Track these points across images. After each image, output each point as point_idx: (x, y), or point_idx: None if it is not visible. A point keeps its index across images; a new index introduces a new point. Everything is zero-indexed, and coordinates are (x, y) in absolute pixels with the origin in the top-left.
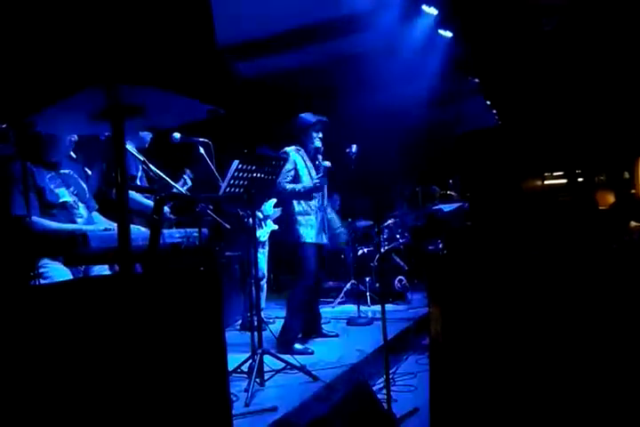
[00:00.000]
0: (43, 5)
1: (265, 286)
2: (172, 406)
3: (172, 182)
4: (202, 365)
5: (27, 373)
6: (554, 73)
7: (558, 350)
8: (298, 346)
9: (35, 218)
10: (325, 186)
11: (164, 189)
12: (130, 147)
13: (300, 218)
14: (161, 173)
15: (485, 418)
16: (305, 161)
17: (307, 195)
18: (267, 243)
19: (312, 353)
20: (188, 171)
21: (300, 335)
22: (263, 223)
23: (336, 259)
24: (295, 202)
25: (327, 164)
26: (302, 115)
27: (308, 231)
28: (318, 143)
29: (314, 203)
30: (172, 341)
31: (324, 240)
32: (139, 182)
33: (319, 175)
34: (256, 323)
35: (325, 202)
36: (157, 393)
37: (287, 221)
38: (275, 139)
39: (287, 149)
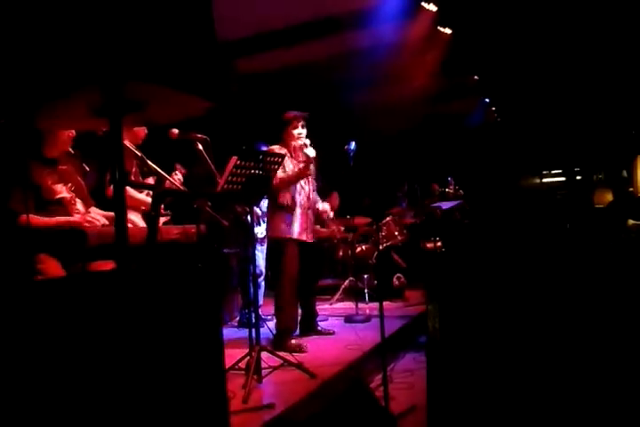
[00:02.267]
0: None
1: (263, 282)
2: (169, 403)
3: (170, 179)
4: (199, 362)
5: (26, 367)
6: (553, 71)
7: (555, 348)
8: (294, 343)
9: (31, 215)
10: (313, 181)
11: (162, 186)
12: (126, 142)
13: (284, 214)
14: (159, 170)
15: (483, 416)
16: (290, 159)
17: (295, 179)
18: (265, 240)
19: (307, 351)
20: (178, 166)
21: (296, 332)
22: (261, 220)
23: (334, 256)
24: (281, 198)
25: (311, 153)
26: (284, 113)
27: (292, 228)
28: (301, 141)
29: (299, 199)
30: (170, 337)
31: (308, 238)
32: (132, 178)
33: (301, 164)
34: (254, 320)
35: (312, 198)
36: (155, 390)
37: (272, 217)
38: (272, 136)
39: (272, 146)
